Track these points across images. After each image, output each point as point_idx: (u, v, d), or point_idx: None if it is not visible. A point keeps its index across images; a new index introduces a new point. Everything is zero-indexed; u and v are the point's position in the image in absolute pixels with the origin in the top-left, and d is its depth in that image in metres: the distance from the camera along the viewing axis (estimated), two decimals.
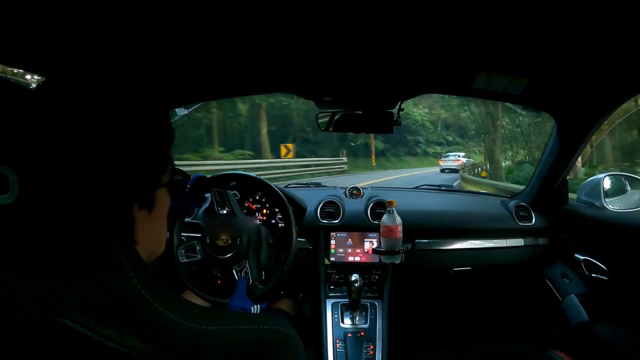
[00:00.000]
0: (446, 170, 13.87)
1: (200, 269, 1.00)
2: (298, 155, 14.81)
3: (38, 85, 0.32)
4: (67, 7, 0.57)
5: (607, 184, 1.24)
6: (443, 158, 15.52)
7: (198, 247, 0.95)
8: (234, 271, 0.94)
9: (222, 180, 1.04)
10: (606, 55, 0.76)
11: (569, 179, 1.34)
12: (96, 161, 0.30)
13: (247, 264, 0.92)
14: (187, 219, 1.02)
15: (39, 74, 0.78)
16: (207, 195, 1.00)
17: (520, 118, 9.46)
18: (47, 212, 0.26)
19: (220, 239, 0.92)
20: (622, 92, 0.92)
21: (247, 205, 1.25)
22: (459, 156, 15.05)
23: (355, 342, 1.09)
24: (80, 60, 0.74)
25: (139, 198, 0.35)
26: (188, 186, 0.84)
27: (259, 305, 0.90)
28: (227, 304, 0.86)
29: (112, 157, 0.31)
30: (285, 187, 1.53)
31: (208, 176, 1.04)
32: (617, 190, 1.28)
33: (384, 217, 1.10)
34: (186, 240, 1.00)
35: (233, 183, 1.09)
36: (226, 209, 0.95)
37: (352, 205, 1.35)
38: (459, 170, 12.78)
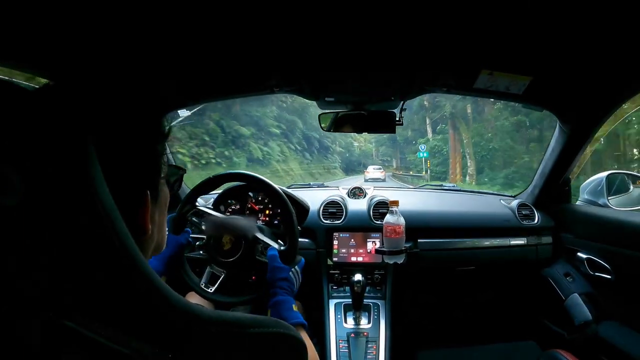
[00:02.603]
0: (370, 180, 15.10)
1: (230, 281, 0.95)
2: None
3: (41, 87, 0.32)
4: (69, 9, 0.58)
5: (609, 182, 1.24)
6: (368, 169, 17.35)
7: (212, 269, 0.93)
8: (257, 258, 0.91)
9: (196, 195, 0.96)
10: (610, 53, 0.76)
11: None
12: (107, 155, 0.31)
13: (263, 239, 0.90)
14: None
15: (41, 76, 0.78)
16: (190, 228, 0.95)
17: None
18: (51, 212, 0.26)
19: (223, 244, 0.91)
20: (626, 90, 0.92)
21: (249, 205, 1.24)
22: (380, 168, 17.55)
23: (358, 343, 1.08)
24: (83, 62, 0.74)
25: (149, 187, 0.37)
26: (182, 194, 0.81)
27: (297, 267, 0.87)
28: (262, 289, 0.84)
29: (120, 153, 0.34)
30: (288, 187, 1.53)
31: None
32: (620, 188, 1.28)
33: (387, 216, 1.10)
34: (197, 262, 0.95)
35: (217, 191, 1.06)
36: (215, 218, 0.93)
37: (355, 206, 1.34)
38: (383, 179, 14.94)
